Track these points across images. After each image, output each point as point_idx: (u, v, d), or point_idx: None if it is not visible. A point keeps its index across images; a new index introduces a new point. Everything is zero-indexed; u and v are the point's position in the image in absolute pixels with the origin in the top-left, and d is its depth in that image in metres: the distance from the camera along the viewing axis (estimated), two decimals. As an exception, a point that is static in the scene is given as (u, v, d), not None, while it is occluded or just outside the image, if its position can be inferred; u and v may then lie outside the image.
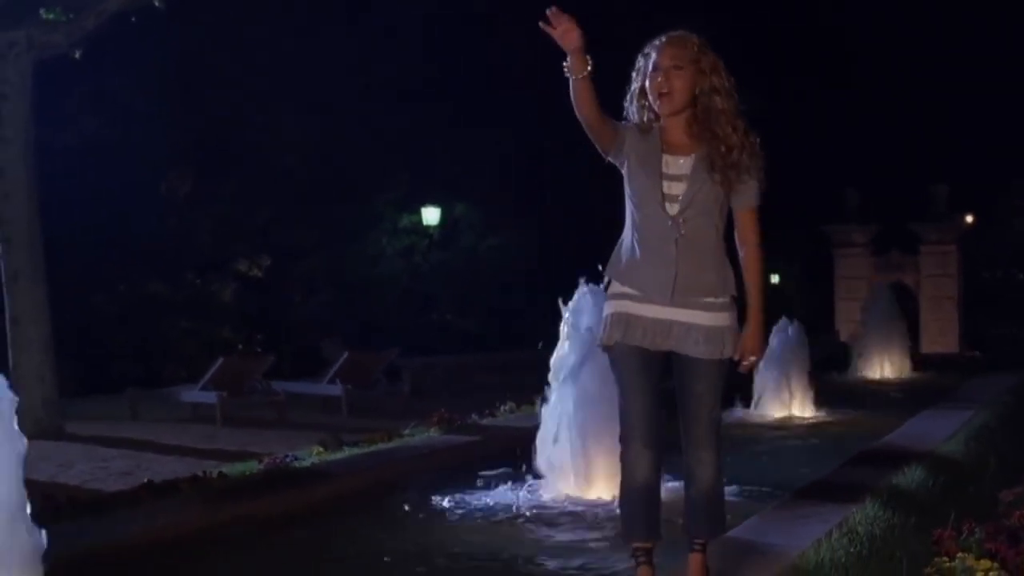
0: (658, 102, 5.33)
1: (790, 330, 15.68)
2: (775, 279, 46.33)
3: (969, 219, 41.14)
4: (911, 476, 8.54)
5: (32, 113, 16.35)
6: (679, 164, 5.33)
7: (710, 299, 5.36)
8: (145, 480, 9.70)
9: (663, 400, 5.50)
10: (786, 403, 14.94)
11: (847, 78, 43.48)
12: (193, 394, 18.35)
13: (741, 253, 5.46)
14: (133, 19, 17.34)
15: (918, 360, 23.39)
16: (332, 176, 29.87)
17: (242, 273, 29.75)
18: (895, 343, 22.34)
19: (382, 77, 30.21)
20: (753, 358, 5.45)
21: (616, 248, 5.50)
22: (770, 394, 14.93)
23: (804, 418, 14.69)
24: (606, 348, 5.49)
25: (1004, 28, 41.09)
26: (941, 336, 37.30)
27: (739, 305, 5.48)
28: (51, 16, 16.47)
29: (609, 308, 5.47)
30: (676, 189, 5.31)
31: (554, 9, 5.11)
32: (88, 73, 18.74)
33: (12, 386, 15.43)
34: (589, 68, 5.14)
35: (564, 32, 5.08)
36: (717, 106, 5.32)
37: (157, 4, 16.78)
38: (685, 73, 5.30)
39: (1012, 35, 40.79)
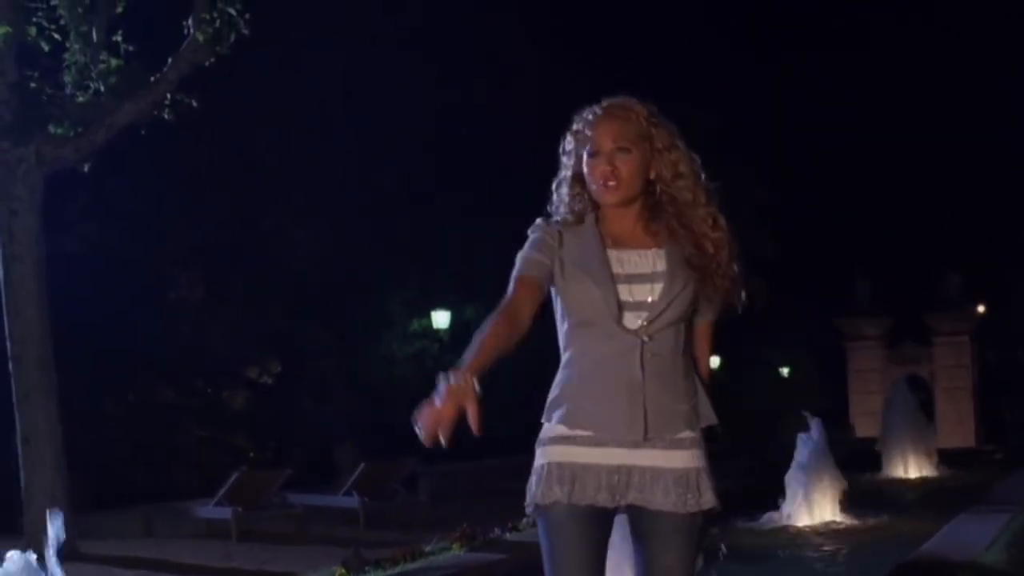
0: (603, 193, 4.09)
1: (815, 433, 15.37)
2: (785, 371, 46.11)
3: (981, 309, 41.01)
4: (960, 592, 8.27)
5: (42, 228, 16.21)
6: (636, 261, 4.09)
7: (684, 434, 4.10)
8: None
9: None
10: (814, 508, 14.63)
11: (856, 168, 43.47)
12: (208, 509, 18.06)
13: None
14: (143, 132, 17.28)
15: (939, 456, 23.06)
16: (343, 280, 29.75)
17: (252, 380, 29.53)
18: (918, 440, 22.04)
19: (390, 178, 30.15)
20: None
21: (553, 388, 4.17)
22: (798, 499, 14.63)
23: (835, 524, 14.38)
24: (539, 509, 4.09)
25: (1013, 111, 41.14)
26: (959, 427, 37.01)
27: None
28: (60, 131, 16.38)
29: (545, 456, 4.09)
30: (639, 293, 4.04)
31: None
32: (92, 179, 18.63)
33: (24, 505, 15.18)
34: (474, 383, 3.72)
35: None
36: (685, 196, 4.12)
37: (167, 117, 16.74)
38: (635, 155, 4.08)
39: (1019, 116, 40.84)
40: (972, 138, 42.52)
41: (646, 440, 4.01)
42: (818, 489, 14.76)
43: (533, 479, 4.11)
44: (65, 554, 15.07)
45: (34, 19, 16.23)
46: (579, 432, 4.05)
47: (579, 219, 4.14)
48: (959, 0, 42.72)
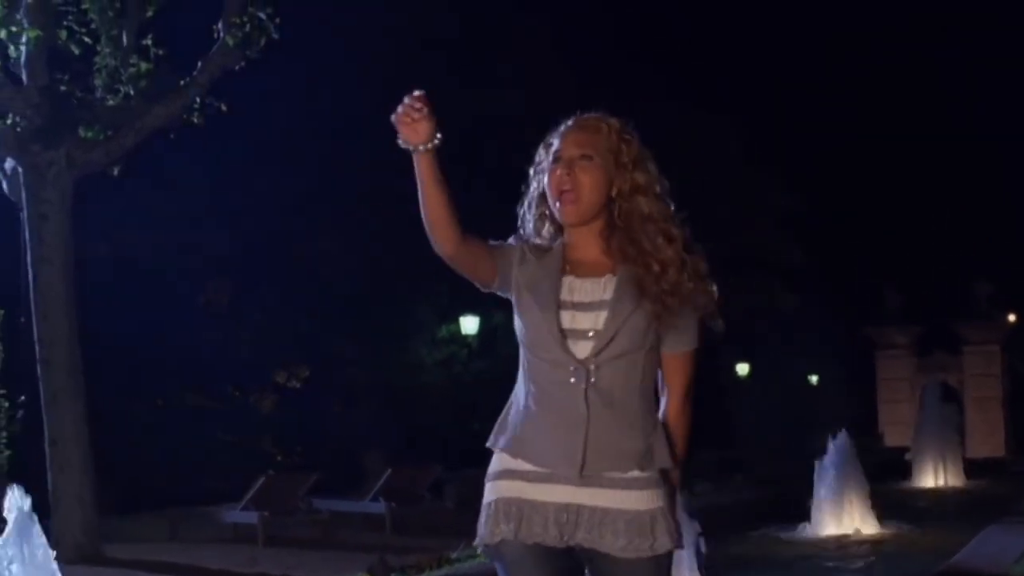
0: (559, 204, 3.90)
1: (842, 441, 15.30)
2: (814, 379, 45.94)
3: (1011, 318, 40.79)
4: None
5: (72, 231, 16.21)
6: (588, 288, 3.88)
7: (634, 474, 3.83)
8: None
9: None
10: (844, 519, 14.53)
11: (887, 177, 43.33)
12: (234, 514, 18.02)
13: (661, 405, 3.96)
14: (172, 135, 17.26)
15: (969, 466, 22.94)
16: (371, 285, 29.77)
17: (281, 384, 29.56)
18: (948, 450, 21.92)
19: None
20: None
21: (504, 410, 4.00)
22: (828, 510, 14.53)
23: (865, 536, 14.28)
24: (488, 548, 3.93)
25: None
26: (989, 437, 36.81)
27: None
28: (90, 134, 16.36)
29: (492, 493, 3.91)
30: (585, 322, 3.84)
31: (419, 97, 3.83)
32: (122, 183, 18.63)
33: (51, 508, 15.13)
34: (438, 138, 3.80)
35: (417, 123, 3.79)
36: (642, 210, 3.88)
37: (196, 121, 16.72)
38: (596, 166, 3.88)
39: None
40: (1004, 147, 42.33)
41: (581, 476, 3.79)
42: (846, 498, 14.67)
43: (482, 516, 3.93)
44: (90, 558, 15.16)
45: (64, 23, 16.20)
46: (523, 464, 3.87)
47: (548, 247, 3.97)
48: (993, 4, 42.50)
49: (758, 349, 40.16)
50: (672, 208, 3.96)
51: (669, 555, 3.88)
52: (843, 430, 15.46)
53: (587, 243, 3.95)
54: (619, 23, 34.13)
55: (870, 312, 39.67)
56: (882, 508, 15.15)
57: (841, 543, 13.72)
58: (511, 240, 4.04)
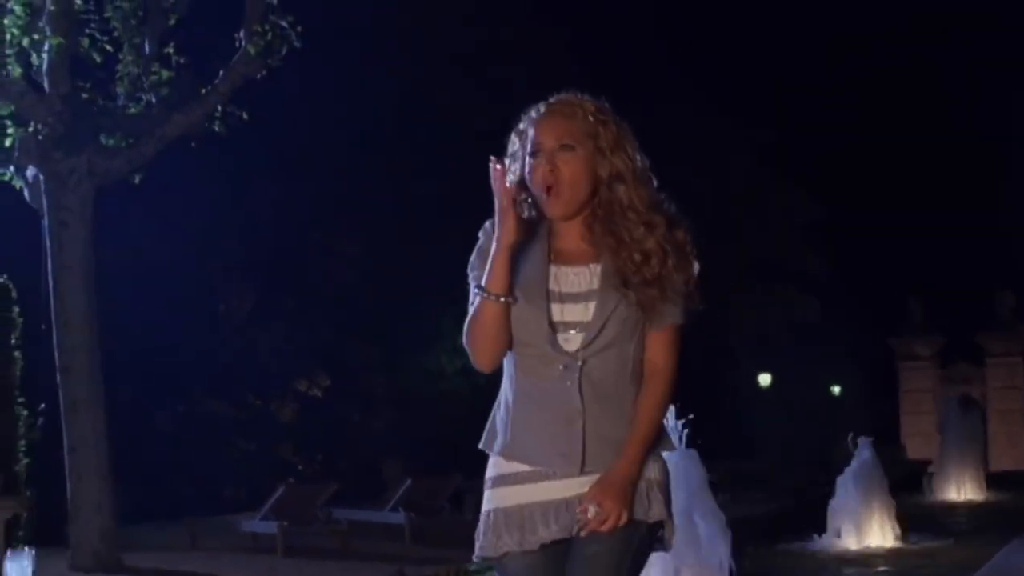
0: (545, 200, 3.80)
1: (864, 451, 15.17)
2: (836, 390, 45.75)
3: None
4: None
5: (93, 239, 16.21)
6: (573, 279, 3.80)
7: None
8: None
9: None
10: (865, 532, 14.42)
11: (910, 187, 43.16)
12: (253, 523, 18.00)
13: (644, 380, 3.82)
14: (193, 144, 17.26)
15: (992, 479, 22.77)
16: (392, 293, 29.73)
17: (302, 392, 29.54)
18: (971, 463, 21.75)
19: (438, 190, 30.12)
20: (595, 512, 3.70)
21: (492, 414, 3.90)
22: (848, 522, 14.42)
23: (885, 549, 14.17)
24: (489, 560, 3.87)
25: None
26: (1011, 449, 36.51)
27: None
28: (111, 142, 16.40)
29: (490, 502, 3.84)
30: (573, 313, 3.76)
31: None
32: (144, 191, 18.64)
33: (70, 516, 15.16)
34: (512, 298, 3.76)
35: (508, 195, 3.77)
36: (621, 199, 3.77)
37: (217, 129, 16.71)
38: (579, 155, 3.77)
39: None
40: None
41: (583, 472, 3.73)
42: (868, 512, 14.55)
43: (480, 527, 3.85)
44: (108, 566, 15.17)
45: (87, 31, 16.27)
46: (517, 467, 3.79)
47: (528, 231, 3.84)
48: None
49: (780, 359, 40.01)
50: (654, 188, 3.88)
51: (649, 534, 3.83)
52: (865, 441, 15.30)
53: (571, 232, 3.87)
54: (636, 24, 33.99)
55: (893, 323, 39.46)
56: (904, 522, 15.04)
57: (861, 557, 13.62)
58: (481, 236, 3.95)
